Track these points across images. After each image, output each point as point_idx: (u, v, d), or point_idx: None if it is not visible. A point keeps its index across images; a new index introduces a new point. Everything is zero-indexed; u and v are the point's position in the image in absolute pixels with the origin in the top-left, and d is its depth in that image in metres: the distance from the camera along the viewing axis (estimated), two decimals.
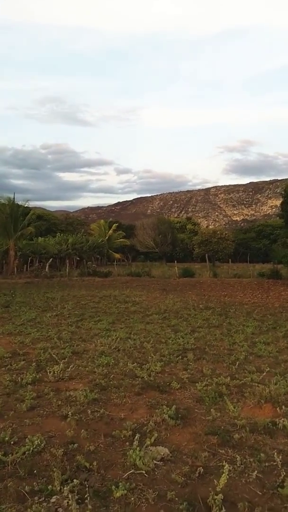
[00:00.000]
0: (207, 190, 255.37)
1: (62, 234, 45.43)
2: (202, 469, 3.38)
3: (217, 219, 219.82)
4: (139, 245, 51.20)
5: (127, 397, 5.25)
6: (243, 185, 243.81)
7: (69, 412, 4.58)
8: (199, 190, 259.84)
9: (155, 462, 3.55)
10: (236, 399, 5.07)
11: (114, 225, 58.35)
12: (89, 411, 4.71)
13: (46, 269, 32.05)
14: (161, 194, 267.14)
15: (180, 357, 7.22)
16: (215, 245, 43.17)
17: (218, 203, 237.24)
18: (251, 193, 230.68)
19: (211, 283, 25.26)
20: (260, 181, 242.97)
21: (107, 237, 53.84)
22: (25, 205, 33.67)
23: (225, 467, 3.11)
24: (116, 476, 3.37)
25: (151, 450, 3.68)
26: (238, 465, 3.48)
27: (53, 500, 3.05)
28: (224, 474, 3.01)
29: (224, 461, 3.52)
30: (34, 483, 3.22)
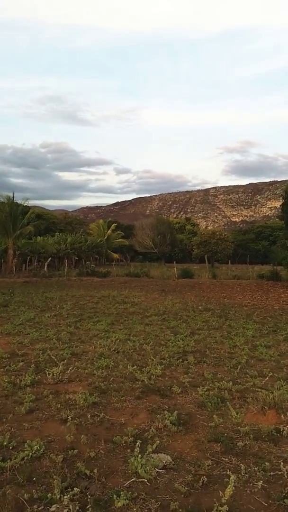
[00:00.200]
0: (207, 190, 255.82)
1: (61, 234, 45.33)
2: (205, 478, 3.29)
3: (216, 220, 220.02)
4: (138, 246, 51.08)
5: (127, 401, 5.16)
6: (243, 186, 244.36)
7: (69, 416, 4.48)
8: (198, 191, 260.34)
9: (157, 470, 3.46)
10: (238, 405, 4.98)
11: (113, 225, 58.26)
12: (89, 415, 4.62)
13: (45, 269, 31.94)
14: (160, 195, 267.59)
15: (180, 360, 7.13)
16: (214, 246, 43.12)
17: (217, 204, 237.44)
18: (250, 194, 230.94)
19: (210, 284, 25.19)
20: (260, 182, 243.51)
21: (105, 237, 53.73)
22: (25, 204, 33.54)
23: (231, 478, 3.02)
24: (117, 484, 3.28)
25: (152, 458, 3.58)
26: (243, 474, 3.40)
27: (53, 509, 2.96)
28: (230, 485, 2.92)
29: (228, 470, 3.44)
30: (33, 490, 3.13)
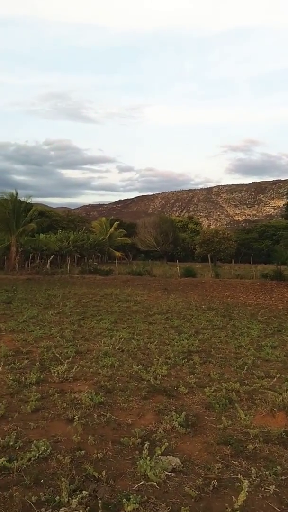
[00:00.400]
0: (209, 189, 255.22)
1: (63, 231, 45.26)
2: (216, 482, 3.22)
3: (218, 219, 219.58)
4: (140, 244, 51.02)
5: (134, 401, 5.09)
6: (246, 185, 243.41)
7: (75, 416, 4.41)
8: (201, 189, 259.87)
9: (166, 473, 3.40)
10: (247, 406, 4.91)
11: (115, 223, 58.10)
12: (95, 415, 4.56)
13: (47, 266, 31.89)
14: (162, 193, 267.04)
15: (185, 359, 7.06)
16: (217, 245, 42.99)
17: (220, 202, 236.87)
18: (253, 193, 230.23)
19: (213, 283, 25.08)
20: (263, 181, 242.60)
21: (108, 235, 53.61)
22: (27, 201, 33.48)
23: (244, 483, 2.94)
24: (126, 487, 3.21)
25: (161, 460, 3.52)
26: (254, 478, 3.32)
27: None
28: (243, 491, 2.85)
29: (238, 473, 3.37)
30: (41, 492, 3.07)
